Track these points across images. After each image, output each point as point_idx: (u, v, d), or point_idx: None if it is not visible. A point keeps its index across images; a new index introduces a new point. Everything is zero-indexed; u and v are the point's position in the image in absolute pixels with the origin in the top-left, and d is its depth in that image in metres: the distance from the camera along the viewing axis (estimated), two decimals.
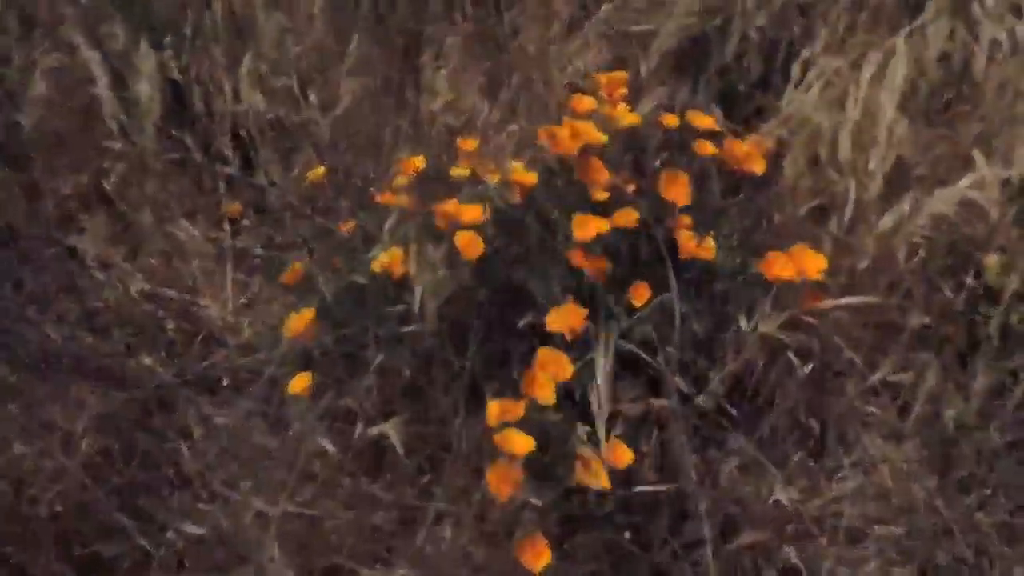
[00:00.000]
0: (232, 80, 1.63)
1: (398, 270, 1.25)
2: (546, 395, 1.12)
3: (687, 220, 1.28)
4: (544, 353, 1.15)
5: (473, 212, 1.26)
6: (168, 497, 1.25)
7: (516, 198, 1.31)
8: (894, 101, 1.25)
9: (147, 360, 1.42)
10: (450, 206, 1.28)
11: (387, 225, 1.23)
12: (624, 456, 1.09)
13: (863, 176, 1.28)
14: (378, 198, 1.38)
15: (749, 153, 1.30)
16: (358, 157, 1.59)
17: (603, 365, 1.07)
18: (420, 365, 1.26)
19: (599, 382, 1.06)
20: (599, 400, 1.08)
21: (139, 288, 1.51)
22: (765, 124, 1.38)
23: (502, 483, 1.06)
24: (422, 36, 1.67)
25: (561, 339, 1.19)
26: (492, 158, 1.39)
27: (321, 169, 1.49)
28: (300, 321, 1.26)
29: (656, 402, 1.16)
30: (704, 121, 1.32)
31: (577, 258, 1.23)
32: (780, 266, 1.20)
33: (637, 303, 1.20)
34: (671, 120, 1.36)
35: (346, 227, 1.40)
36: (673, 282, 1.15)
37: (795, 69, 1.45)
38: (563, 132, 1.27)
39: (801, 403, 1.30)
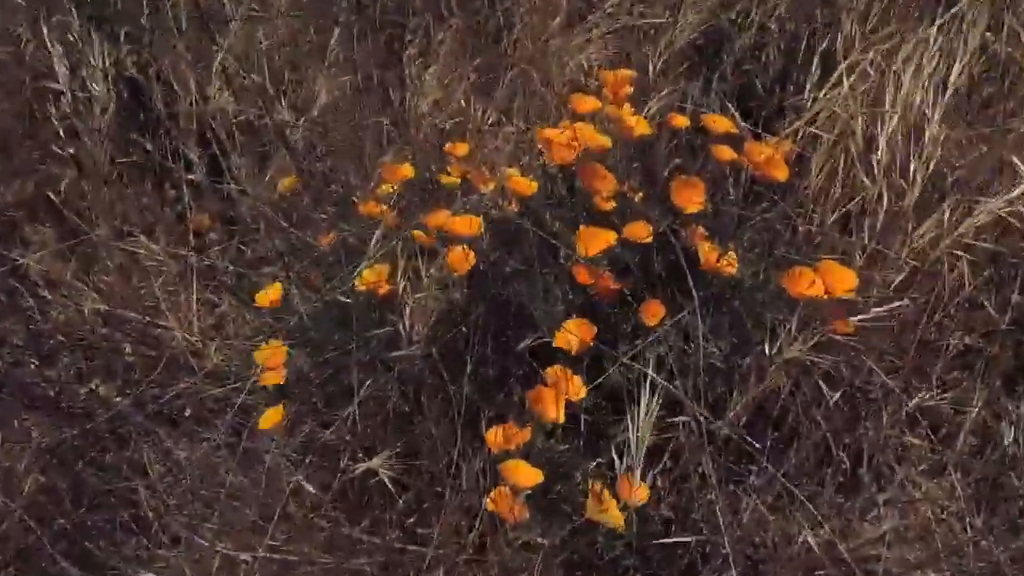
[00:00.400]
0: (197, 77, 1.64)
1: (384, 288, 1.27)
2: (555, 414, 1.14)
3: (702, 231, 1.31)
4: (554, 371, 1.17)
5: (467, 224, 1.29)
6: (123, 542, 1.23)
7: (513, 209, 1.34)
8: (934, 98, 1.26)
9: (101, 388, 1.42)
10: (441, 218, 1.31)
11: (373, 239, 1.26)
12: (640, 493, 1.10)
13: (898, 181, 1.30)
14: (361, 208, 1.40)
15: (770, 157, 1.31)
16: (338, 163, 1.60)
17: (646, 403, 1.06)
18: (409, 392, 1.28)
19: (639, 422, 1.06)
20: (635, 444, 1.07)
21: (92, 308, 1.50)
22: (787, 124, 1.42)
23: (506, 512, 1.07)
24: (407, 29, 1.70)
25: (566, 359, 1.20)
26: (486, 164, 1.42)
27: (295, 178, 1.51)
28: (274, 356, 1.27)
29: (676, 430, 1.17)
30: (720, 123, 1.35)
31: (582, 274, 1.25)
32: (806, 282, 1.21)
33: (650, 322, 1.23)
34: (683, 122, 1.38)
35: (325, 240, 1.41)
36: (695, 299, 1.17)
37: (817, 63, 1.48)
38: (564, 136, 1.31)
39: (831, 433, 1.31)
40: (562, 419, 1.13)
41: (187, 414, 1.40)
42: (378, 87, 1.65)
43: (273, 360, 1.27)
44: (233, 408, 1.31)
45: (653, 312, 1.24)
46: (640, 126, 1.34)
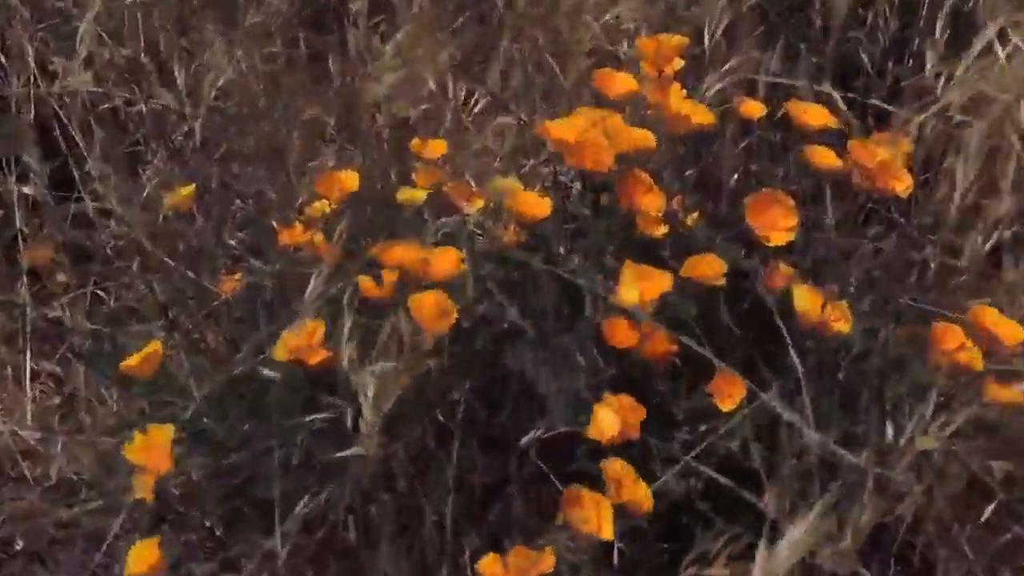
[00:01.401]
0: (38, 46, 1.63)
1: (318, 357, 1.24)
2: (604, 528, 1.13)
3: (790, 270, 1.29)
4: (616, 467, 1.16)
5: (443, 261, 1.28)
6: None
7: (513, 238, 1.32)
8: None
9: None
10: (405, 251, 1.30)
11: (311, 285, 1.24)
12: None
13: None
14: (282, 236, 1.39)
15: (886, 162, 1.30)
16: (249, 169, 1.58)
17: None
18: (359, 512, 1.26)
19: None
20: None
21: None
22: (909, 113, 1.42)
23: None
24: None
25: (596, 453, 1.19)
26: (471, 171, 1.41)
27: (189, 188, 1.48)
28: (152, 455, 1.22)
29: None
30: (812, 113, 1.34)
31: (621, 333, 1.23)
32: (948, 340, 1.22)
33: (726, 405, 1.22)
34: (756, 109, 1.37)
35: (229, 285, 1.39)
36: (799, 370, 1.16)
37: (944, 26, 1.48)
38: (589, 130, 1.28)
39: (982, 567, 1.30)
40: (611, 535, 1.13)
41: (18, 547, 1.38)
42: (309, 60, 1.63)
43: (151, 461, 1.23)
44: (87, 538, 1.31)
45: (728, 390, 1.22)
46: (697, 115, 1.33)
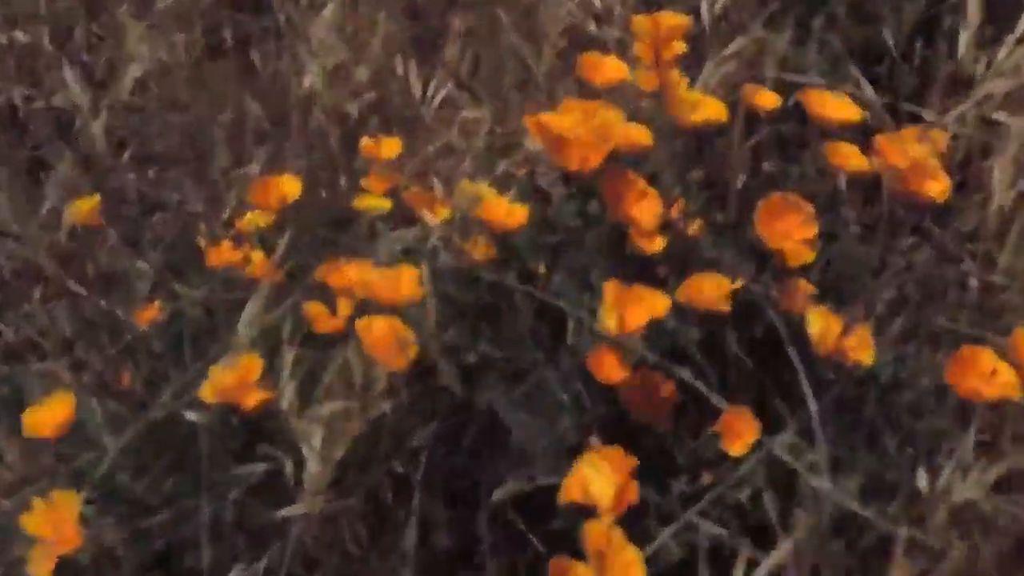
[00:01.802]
0: None
1: (255, 398, 1.23)
2: None
3: (809, 288, 1.29)
4: (600, 532, 1.13)
5: (399, 282, 1.28)
6: None
7: (483, 252, 1.31)
8: None
9: None
10: (354, 271, 1.30)
11: (244, 313, 1.23)
12: None
13: None
14: (211, 255, 1.39)
15: (918, 161, 1.31)
16: (168, 175, 1.57)
17: None
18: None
19: None
20: None
21: None
22: (944, 104, 1.43)
23: None
24: None
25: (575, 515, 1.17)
26: (432, 174, 1.39)
27: (94, 199, 1.47)
28: (58, 521, 1.21)
29: None
30: (831, 104, 1.35)
31: (608, 366, 1.22)
32: (979, 365, 1.22)
33: (735, 449, 1.22)
34: (768, 100, 1.37)
35: (149, 314, 1.39)
36: (813, 408, 1.16)
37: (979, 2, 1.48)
38: (573, 124, 1.29)
39: None
40: None
41: None
42: (234, 46, 1.62)
43: (55, 534, 1.21)
44: None
45: (739, 430, 1.22)
46: (707, 108, 1.34)
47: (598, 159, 1.26)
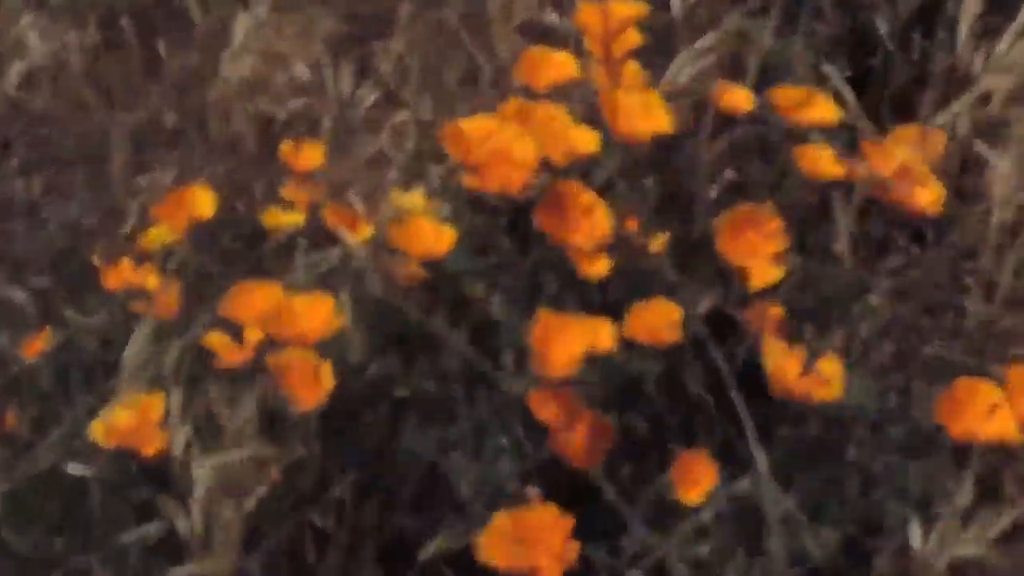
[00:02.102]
0: None
1: (155, 444, 1.22)
2: None
3: (779, 314, 1.28)
4: None
5: (316, 310, 1.28)
6: None
7: (411, 274, 1.30)
8: None
9: None
10: (266, 296, 1.30)
11: (131, 345, 1.23)
12: None
13: None
14: (109, 277, 1.39)
15: (908, 167, 1.32)
16: (60, 182, 1.57)
17: None
18: None
19: None
20: None
21: None
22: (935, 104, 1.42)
23: None
24: None
25: None
26: (359, 185, 1.39)
27: None
28: None
29: None
30: (811, 103, 1.36)
31: (546, 406, 1.23)
32: (982, 409, 1.21)
33: (691, 497, 1.21)
34: (740, 100, 1.38)
35: (36, 345, 1.40)
36: (759, 461, 1.16)
37: None
38: (514, 133, 1.29)
39: None
40: None
41: None
42: (137, 39, 1.60)
43: None
44: None
45: (695, 476, 1.22)
46: (648, 118, 1.34)
47: (521, 179, 1.26)
